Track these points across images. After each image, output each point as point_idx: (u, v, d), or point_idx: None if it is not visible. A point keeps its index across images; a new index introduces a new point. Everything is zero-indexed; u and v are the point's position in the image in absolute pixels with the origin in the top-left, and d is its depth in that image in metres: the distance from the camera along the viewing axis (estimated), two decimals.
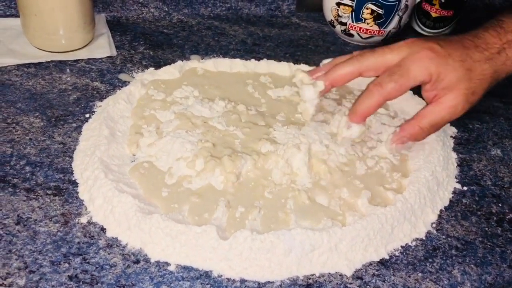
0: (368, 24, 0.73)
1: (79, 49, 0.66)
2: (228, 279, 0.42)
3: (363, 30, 0.74)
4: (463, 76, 0.47)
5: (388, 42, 0.76)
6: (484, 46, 0.49)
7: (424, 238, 0.48)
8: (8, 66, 0.62)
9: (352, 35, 0.75)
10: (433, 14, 0.78)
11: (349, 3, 0.72)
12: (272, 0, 0.82)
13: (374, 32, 0.73)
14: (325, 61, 0.53)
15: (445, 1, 0.76)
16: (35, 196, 0.47)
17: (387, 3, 0.70)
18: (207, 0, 0.79)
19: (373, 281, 0.43)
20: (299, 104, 0.54)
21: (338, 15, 0.73)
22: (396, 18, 0.72)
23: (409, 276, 0.44)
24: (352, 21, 0.73)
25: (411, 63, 0.47)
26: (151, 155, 0.51)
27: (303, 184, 0.50)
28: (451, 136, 0.61)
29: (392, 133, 0.52)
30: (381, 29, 0.73)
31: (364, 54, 0.49)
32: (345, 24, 0.74)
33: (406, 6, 0.72)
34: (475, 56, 0.48)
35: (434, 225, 0.49)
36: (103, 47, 0.67)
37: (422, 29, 0.81)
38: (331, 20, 0.76)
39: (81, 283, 0.40)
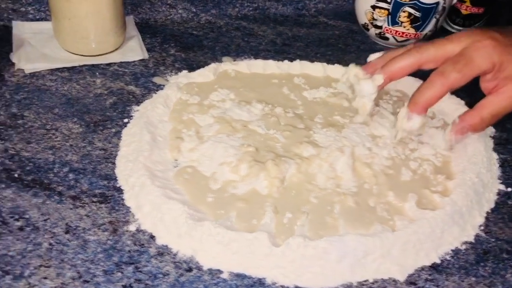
0: (404, 27, 0.72)
1: (110, 52, 0.65)
2: (282, 286, 0.42)
3: (399, 33, 0.73)
4: None
5: None
6: None
7: (473, 241, 0.47)
8: (42, 71, 0.61)
9: (387, 38, 0.74)
10: (464, 12, 0.77)
11: (386, 6, 0.71)
12: None
13: (410, 35, 0.73)
14: (374, 55, 0.53)
15: None
16: (81, 204, 0.46)
17: (425, 6, 0.69)
18: (235, 0, 0.78)
19: (427, 286, 0.43)
20: (355, 99, 0.53)
21: (373, 18, 0.72)
22: (433, 21, 0.71)
23: (463, 281, 0.44)
24: (388, 25, 0.72)
25: (474, 52, 0.47)
26: (193, 160, 0.51)
27: (348, 188, 0.50)
28: (491, 136, 0.60)
29: (451, 123, 0.51)
30: (418, 32, 0.72)
31: (423, 46, 0.49)
32: (380, 27, 0.73)
33: (444, 8, 0.71)
34: None
35: (482, 228, 0.49)
36: (134, 50, 0.66)
37: (452, 27, 0.80)
38: (365, 23, 0.75)
39: None
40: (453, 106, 0.60)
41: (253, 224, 0.45)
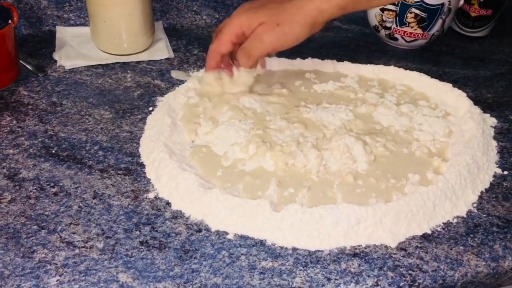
0: (412, 27, 0.76)
1: (140, 52, 0.73)
2: (281, 247, 0.46)
3: (407, 34, 0.77)
4: None
5: (431, 45, 0.79)
6: None
7: (465, 216, 0.50)
8: (80, 67, 0.69)
9: (396, 39, 0.79)
10: (472, 14, 0.81)
11: (393, 8, 0.75)
12: None
13: (418, 36, 0.76)
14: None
15: (484, 0, 0.79)
16: (108, 176, 0.53)
17: (430, 7, 0.73)
18: None
19: (416, 252, 0.46)
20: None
21: (383, 20, 0.77)
22: (440, 21, 0.75)
23: (451, 249, 0.47)
24: (396, 25, 0.77)
25: None
26: (208, 141, 0.57)
27: (353, 169, 0.54)
28: (491, 126, 0.63)
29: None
30: (425, 32, 0.76)
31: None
32: (389, 28, 0.78)
33: (449, 9, 0.75)
34: None
35: (475, 205, 0.52)
36: (161, 50, 0.73)
37: (462, 29, 0.83)
38: (375, 25, 0.79)
39: (151, 247, 0.45)
40: (455, 98, 0.64)
41: (257, 195, 0.50)
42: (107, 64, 0.70)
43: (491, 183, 0.55)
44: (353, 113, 0.61)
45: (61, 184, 0.51)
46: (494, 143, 0.60)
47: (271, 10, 0.56)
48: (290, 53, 0.75)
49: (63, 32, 0.75)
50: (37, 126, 0.59)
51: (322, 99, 0.64)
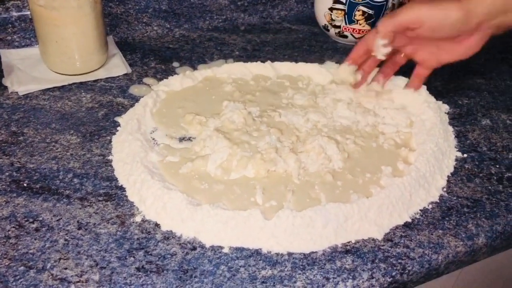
0: (360, 24, 0.79)
1: (96, 70, 0.70)
2: (277, 254, 0.47)
3: (356, 31, 0.80)
4: None
5: None
6: None
7: (438, 201, 0.54)
8: (34, 92, 0.66)
9: (346, 36, 0.82)
10: None
11: (341, 7, 0.78)
12: (263, 9, 0.89)
13: (366, 32, 0.80)
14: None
15: None
16: (89, 204, 0.51)
17: (376, 4, 0.77)
18: (205, 14, 0.85)
19: (402, 241, 0.49)
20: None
21: (332, 19, 0.80)
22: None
23: (432, 234, 0.50)
24: (346, 23, 0.80)
25: None
26: (186, 158, 0.56)
27: (330, 168, 0.56)
28: (446, 112, 0.68)
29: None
30: (373, 28, 0.80)
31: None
32: (339, 27, 0.81)
33: (393, 5, 0.79)
34: None
35: (444, 189, 0.56)
36: (118, 66, 0.72)
37: None
38: (325, 24, 0.82)
39: (148, 272, 0.45)
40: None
41: (245, 205, 0.51)
42: (63, 86, 0.68)
43: (455, 167, 0.59)
44: (319, 113, 0.63)
45: (40, 218, 0.49)
46: (451, 128, 0.65)
47: None
48: (248, 58, 0.77)
49: (9, 56, 0.71)
50: (0, 160, 0.55)
51: (288, 103, 0.66)
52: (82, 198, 0.52)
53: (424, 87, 0.66)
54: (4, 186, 0.52)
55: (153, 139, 0.59)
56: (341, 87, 0.66)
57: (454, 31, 0.55)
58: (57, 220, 0.49)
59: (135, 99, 0.66)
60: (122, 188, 0.53)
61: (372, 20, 0.78)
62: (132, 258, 0.46)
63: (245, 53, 0.79)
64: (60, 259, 0.45)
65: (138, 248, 0.47)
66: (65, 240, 0.47)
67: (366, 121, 0.63)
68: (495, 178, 0.58)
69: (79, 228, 0.48)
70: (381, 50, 0.60)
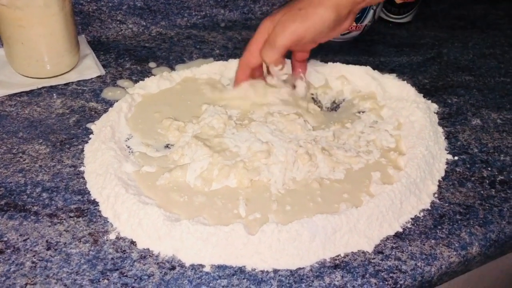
0: None
1: (67, 72, 0.66)
2: (262, 271, 0.44)
3: None
4: None
5: (364, 36, 0.80)
6: None
7: (430, 208, 0.52)
8: (0, 97, 0.62)
9: None
10: (397, 1, 0.83)
11: None
12: (244, 4, 0.85)
13: (352, 28, 0.77)
14: None
15: None
16: (59, 221, 0.47)
17: None
18: (183, 10, 0.80)
19: (393, 253, 0.47)
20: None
21: None
22: (371, 12, 0.76)
23: (424, 244, 0.48)
24: None
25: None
26: (163, 168, 0.53)
27: (317, 176, 0.53)
28: (435, 112, 0.65)
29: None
30: (358, 24, 0.77)
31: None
32: None
33: None
34: None
35: (436, 195, 0.53)
36: (90, 67, 0.68)
37: (388, 16, 0.86)
38: None
39: None
40: (398, 89, 0.65)
41: (227, 218, 0.48)
42: (31, 91, 0.63)
43: (445, 171, 0.57)
44: (305, 118, 0.60)
45: (5, 238, 0.45)
46: (440, 129, 0.62)
47: (293, 2, 0.56)
48: (229, 57, 0.73)
49: None
50: None
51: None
52: (51, 214, 0.48)
53: (413, 88, 0.64)
54: None
55: (128, 147, 0.56)
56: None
57: (331, 29, 0.56)
58: (24, 240, 0.45)
59: (109, 104, 0.62)
60: (95, 203, 0.49)
61: (358, 16, 0.75)
62: (106, 281, 0.43)
63: (226, 52, 0.75)
64: (26, 284, 0.42)
65: (112, 269, 0.44)
66: (32, 262, 0.44)
67: (353, 127, 0.60)
68: (487, 181, 0.56)
69: (48, 249, 0.45)
70: (280, 75, 0.61)
